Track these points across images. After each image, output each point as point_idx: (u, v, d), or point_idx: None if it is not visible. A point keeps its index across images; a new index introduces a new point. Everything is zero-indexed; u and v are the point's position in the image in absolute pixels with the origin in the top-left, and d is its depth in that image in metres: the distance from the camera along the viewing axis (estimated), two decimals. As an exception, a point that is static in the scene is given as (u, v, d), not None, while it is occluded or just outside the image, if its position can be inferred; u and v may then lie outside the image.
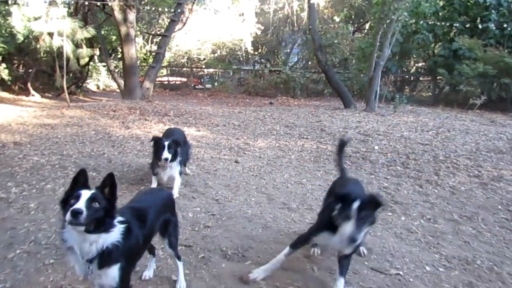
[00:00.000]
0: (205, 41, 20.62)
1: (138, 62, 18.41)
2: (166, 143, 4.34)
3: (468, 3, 17.35)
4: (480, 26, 16.97)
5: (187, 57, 21.90)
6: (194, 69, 22.29)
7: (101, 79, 18.74)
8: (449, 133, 10.11)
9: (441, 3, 18.15)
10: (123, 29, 11.79)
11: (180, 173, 4.69)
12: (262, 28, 21.70)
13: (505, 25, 16.75)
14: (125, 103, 11.74)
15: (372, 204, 2.57)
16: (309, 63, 21.80)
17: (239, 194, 4.79)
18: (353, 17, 20.14)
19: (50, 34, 10.44)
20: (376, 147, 7.93)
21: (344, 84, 17.87)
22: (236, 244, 3.44)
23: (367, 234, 2.88)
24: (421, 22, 17.71)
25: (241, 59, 22.40)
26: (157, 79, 21.79)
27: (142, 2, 15.08)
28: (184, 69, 22.17)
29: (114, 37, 16.22)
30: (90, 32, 11.17)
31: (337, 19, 19.43)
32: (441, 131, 10.38)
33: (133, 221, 2.22)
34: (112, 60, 15.26)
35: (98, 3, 12.24)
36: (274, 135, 9.02)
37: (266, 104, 16.34)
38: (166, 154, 4.30)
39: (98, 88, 18.71)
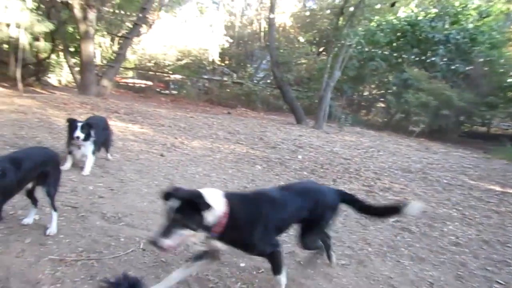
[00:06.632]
0: (171, 47, 21.25)
1: (105, 61, 18.82)
2: (79, 124, 4.91)
3: (420, 37, 18.76)
4: (429, 60, 18.38)
5: (154, 61, 22.44)
6: (159, 74, 22.83)
7: (63, 74, 18.98)
8: (377, 153, 10.97)
9: (396, 34, 19.52)
10: (82, 27, 12.27)
11: (93, 153, 5.22)
12: (231, 41, 22.54)
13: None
14: (79, 98, 12.13)
15: (190, 205, 2.20)
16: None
17: (145, 177, 5.36)
18: (317, 39, 21.25)
19: (8, 25, 10.81)
20: (300, 157, 8.66)
21: (302, 101, 18.84)
22: (118, 210, 4.00)
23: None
24: (377, 50, 18.99)
25: (207, 68, 23.10)
26: (123, 80, 22.14)
27: (107, 4, 15.60)
28: (150, 72, 22.69)
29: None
30: (48, 26, 11.57)
31: (301, 39, 20.49)
32: (371, 151, 11.25)
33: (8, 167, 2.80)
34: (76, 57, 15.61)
35: (59, 0, 12.66)
36: (213, 139, 9.61)
37: (223, 113, 16.98)
38: (78, 133, 4.87)
39: (59, 82, 18.93)
